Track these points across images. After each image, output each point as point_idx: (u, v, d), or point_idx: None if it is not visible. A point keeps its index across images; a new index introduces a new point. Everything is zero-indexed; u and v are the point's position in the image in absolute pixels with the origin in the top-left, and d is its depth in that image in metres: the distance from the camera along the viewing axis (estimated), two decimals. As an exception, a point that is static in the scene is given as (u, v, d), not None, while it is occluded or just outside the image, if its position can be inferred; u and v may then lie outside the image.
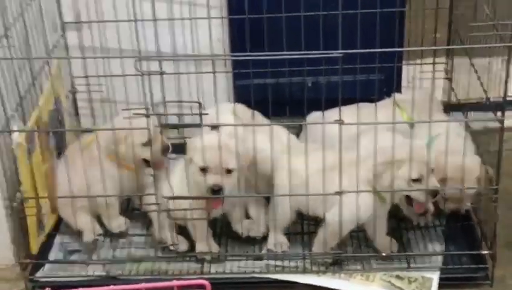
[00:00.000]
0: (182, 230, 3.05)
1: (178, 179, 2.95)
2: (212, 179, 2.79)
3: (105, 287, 2.00)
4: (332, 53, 2.61)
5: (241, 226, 3.07)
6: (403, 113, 3.25)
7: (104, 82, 3.60)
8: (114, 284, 2.12)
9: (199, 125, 2.74)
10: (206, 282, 1.88)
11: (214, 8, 3.61)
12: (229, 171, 2.81)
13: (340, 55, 2.59)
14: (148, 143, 2.95)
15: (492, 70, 2.82)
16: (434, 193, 2.74)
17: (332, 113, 2.79)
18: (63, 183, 3.04)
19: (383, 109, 2.91)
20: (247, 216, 3.14)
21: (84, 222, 3.09)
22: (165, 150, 3.02)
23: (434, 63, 3.58)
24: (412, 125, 2.99)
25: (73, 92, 3.69)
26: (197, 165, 2.81)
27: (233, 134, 2.82)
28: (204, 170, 2.81)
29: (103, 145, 3.01)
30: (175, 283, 1.98)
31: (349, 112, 2.79)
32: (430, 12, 3.49)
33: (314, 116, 3.25)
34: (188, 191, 2.87)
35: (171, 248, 3.00)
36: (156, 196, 2.88)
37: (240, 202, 3.05)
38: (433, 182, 2.74)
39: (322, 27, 2.94)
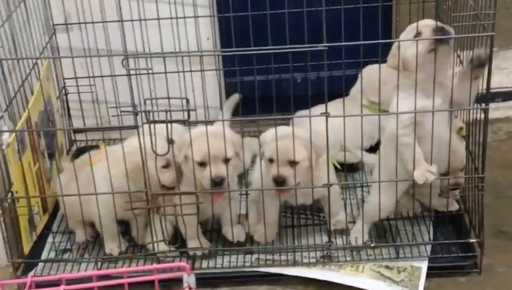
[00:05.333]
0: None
1: None
2: (213, 171, 2.77)
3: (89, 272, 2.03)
4: (317, 46, 2.63)
5: (231, 233, 3.04)
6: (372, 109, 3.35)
7: (95, 83, 3.64)
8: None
9: (187, 122, 2.75)
10: (184, 264, 1.90)
11: (203, 7, 3.66)
12: (227, 160, 2.81)
13: (325, 48, 2.62)
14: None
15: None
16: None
17: (318, 109, 2.84)
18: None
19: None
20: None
21: (77, 223, 3.12)
22: None
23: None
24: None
25: (65, 93, 3.71)
26: (195, 160, 2.80)
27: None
28: (203, 164, 2.81)
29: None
30: (155, 266, 2.00)
31: (334, 106, 2.84)
32: (419, 7, 3.51)
33: (301, 114, 3.30)
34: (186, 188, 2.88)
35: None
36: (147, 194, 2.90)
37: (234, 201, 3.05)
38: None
39: (307, 24, 2.97)
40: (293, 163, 2.79)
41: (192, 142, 2.79)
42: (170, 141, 2.76)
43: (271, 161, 2.81)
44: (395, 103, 2.74)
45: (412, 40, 2.67)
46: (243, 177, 3.23)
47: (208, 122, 2.83)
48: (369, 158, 3.46)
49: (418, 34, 2.68)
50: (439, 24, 2.67)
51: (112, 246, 3.06)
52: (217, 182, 2.79)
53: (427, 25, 2.69)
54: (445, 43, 2.65)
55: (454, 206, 3.14)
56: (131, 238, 3.16)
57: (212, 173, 2.78)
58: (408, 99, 2.70)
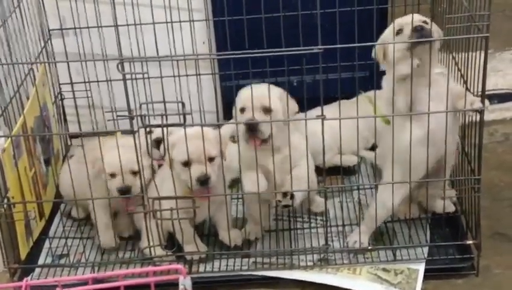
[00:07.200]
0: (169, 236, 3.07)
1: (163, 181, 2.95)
2: (198, 170, 2.78)
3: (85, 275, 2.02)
4: (312, 49, 2.64)
5: (228, 237, 3.06)
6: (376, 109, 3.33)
7: (91, 88, 3.63)
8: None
9: (182, 125, 2.75)
10: (180, 266, 1.89)
11: (198, 11, 3.66)
12: (211, 159, 2.82)
13: (320, 50, 2.62)
14: None
15: (474, 65, 2.83)
16: None
17: (316, 112, 2.84)
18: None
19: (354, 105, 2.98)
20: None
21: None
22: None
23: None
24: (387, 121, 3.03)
25: (61, 98, 3.71)
26: (179, 161, 2.81)
27: None
28: (187, 163, 2.81)
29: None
30: (150, 268, 2.00)
31: (330, 109, 2.85)
32: (414, 10, 3.52)
33: (297, 117, 3.29)
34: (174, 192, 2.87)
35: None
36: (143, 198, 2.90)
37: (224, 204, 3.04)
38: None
39: (302, 27, 2.97)
40: (267, 110, 2.79)
41: (176, 144, 2.81)
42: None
43: (243, 110, 2.81)
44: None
45: (393, 39, 2.73)
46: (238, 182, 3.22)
47: (203, 126, 2.83)
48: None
49: (399, 30, 2.72)
50: (420, 24, 2.68)
51: (107, 238, 3.08)
52: (202, 181, 2.79)
53: (407, 23, 2.70)
54: (423, 44, 2.66)
55: (451, 208, 3.14)
56: (128, 243, 3.16)
57: (197, 172, 2.78)
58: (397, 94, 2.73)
